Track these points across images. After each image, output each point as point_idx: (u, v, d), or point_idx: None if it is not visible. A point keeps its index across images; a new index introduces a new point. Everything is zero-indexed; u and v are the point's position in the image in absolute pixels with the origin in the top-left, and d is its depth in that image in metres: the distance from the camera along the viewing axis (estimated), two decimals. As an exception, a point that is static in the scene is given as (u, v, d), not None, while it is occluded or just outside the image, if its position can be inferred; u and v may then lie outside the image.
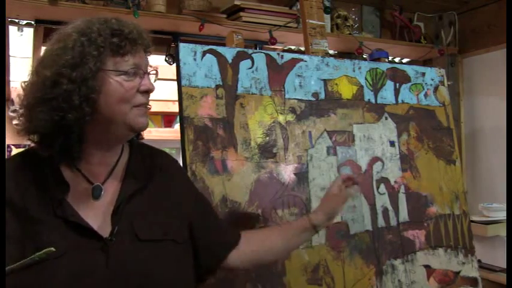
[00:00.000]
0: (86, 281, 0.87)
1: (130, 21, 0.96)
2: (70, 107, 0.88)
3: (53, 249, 0.74)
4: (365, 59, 2.75)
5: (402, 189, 1.76)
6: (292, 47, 2.81)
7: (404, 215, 1.74)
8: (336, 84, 1.71)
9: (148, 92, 0.97)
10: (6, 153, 3.38)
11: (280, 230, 1.27)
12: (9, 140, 3.40)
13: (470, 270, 1.82)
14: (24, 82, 0.95)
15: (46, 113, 0.88)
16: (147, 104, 0.98)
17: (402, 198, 1.75)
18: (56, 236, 0.88)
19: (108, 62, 0.91)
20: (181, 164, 1.28)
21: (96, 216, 0.94)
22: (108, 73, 0.91)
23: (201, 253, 1.08)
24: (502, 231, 2.58)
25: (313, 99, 1.65)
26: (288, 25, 2.45)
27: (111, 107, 0.91)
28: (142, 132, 1.04)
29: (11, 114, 3.43)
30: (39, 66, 0.92)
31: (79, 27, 0.92)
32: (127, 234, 0.94)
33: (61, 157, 0.93)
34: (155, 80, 0.99)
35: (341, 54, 2.92)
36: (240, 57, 1.54)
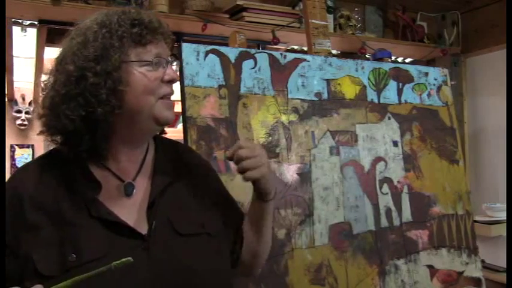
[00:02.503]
0: (131, 280, 0.85)
1: (148, 11, 0.95)
2: (98, 101, 0.86)
3: (130, 259, 0.72)
4: (368, 59, 2.75)
5: (405, 189, 1.75)
6: (295, 47, 2.80)
7: (407, 215, 1.73)
8: (339, 84, 1.71)
9: (172, 81, 0.95)
10: (10, 153, 3.39)
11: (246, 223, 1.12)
12: (12, 140, 3.40)
13: (474, 271, 1.82)
14: (44, 82, 0.92)
15: (73, 110, 0.86)
16: (172, 94, 0.96)
17: (405, 198, 1.75)
18: (94, 237, 0.86)
19: (130, 53, 0.89)
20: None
21: (131, 213, 0.92)
22: (131, 64, 0.89)
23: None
24: (505, 231, 2.57)
25: (316, 99, 1.65)
26: (290, 25, 2.45)
27: (137, 100, 0.89)
28: (165, 128, 1.03)
29: (15, 114, 3.44)
30: (61, 63, 0.90)
31: (98, 19, 0.91)
32: (165, 229, 0.92)
33: (88, 155, 0.91)
34: (176, 70, 0.98)
35: (344, 54, 2.92)
36: (242, 57, 1.54)
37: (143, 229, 0.90)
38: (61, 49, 0.92)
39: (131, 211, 0.92)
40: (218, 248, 1.00)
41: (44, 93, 0.92)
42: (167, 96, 0.94)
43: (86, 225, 0.87)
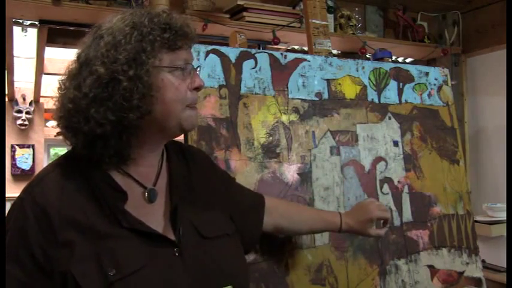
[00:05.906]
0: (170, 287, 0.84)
1: (177, 14, 0.92)
2: (130, 106, 0.83)
3: None
4: (368, 59, 2.75)
5: (406, 189, 1.75)
6: (296, 47, 2.81)
7: (407, 215, 1.73)
8: (339, 84, 1.71)
9: (199, 88, 0.94)
10: (10, 153, 3.40)
11: (311, 215, 1.36)
12: (12, 140, 3.41)
13: (474, 271, 1.81)
14: (62, 81, 0.88)
15: (102, 114, 0.83)
16: (197, 101, 0.95)
17: (406, 198, 1.74)
18: (129, 248, 0.84)
19: (161, 58, 0.87)
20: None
21: (156, 220, 0.91)
22: (161, 70, 0.87)
23: (242, 233, 1.08)
24: (505, 231, 2.57)
25: (316, 99, 1.65)
26: (291, 25, 2.45)
27: (165, 106, 0.87)
28: None
29: (15, 114, 3.45)
30: (86, 64, 0.85)
31: (127, 21, 0.87)
32: (191, 234, 0.92)
33: (111, 160, 0.88)
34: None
35: (344, 54, 2.92)
36: (243, 57, 1.54)
37: (170, 235, 0.90)
38: (82, 49, 0.88)
39: (156, 217, 0.91)
40: (238, 247, 1.01)
41: (61, 92, 0.87)
42: (193, 103, 0.93)
43: (119, 237, 0.84)
